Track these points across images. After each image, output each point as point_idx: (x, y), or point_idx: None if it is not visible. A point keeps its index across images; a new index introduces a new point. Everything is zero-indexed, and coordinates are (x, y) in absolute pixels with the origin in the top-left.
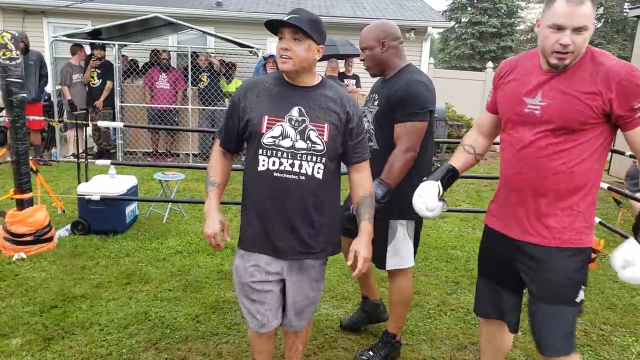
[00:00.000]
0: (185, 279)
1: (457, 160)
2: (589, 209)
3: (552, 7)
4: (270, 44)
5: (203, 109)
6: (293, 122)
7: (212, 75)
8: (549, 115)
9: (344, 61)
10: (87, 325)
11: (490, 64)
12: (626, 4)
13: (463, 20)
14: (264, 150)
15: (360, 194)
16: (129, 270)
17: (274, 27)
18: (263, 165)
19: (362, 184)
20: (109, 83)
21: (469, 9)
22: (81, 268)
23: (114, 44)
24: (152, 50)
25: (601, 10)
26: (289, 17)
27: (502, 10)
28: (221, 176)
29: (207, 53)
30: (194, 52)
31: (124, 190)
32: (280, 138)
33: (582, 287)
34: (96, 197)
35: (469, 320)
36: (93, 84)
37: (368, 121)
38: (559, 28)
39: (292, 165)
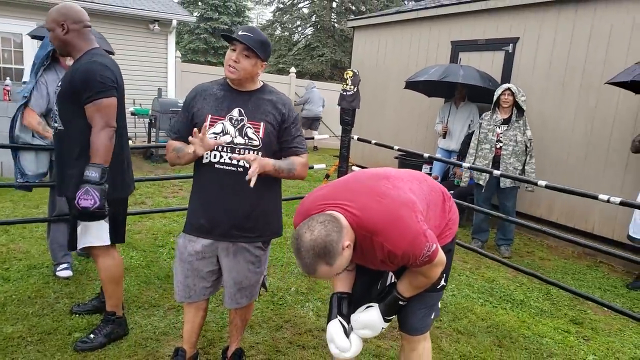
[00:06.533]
0: None
1: (341, 283)
2: None
3: None
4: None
5: None
6: (233, 121)
7: None
8: None
9: None
10: None
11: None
12: (333, 14)
13: (196, 14)
14: None
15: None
16: None
17: (228, 39)
18: (206, 158)
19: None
20: None
21: (200, 3)
22: None
23: None
24: None
25: (314, 17)
26: (243, 34)
27: (232, 9)
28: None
29: None
30: None
31: None
32: (221, 134)
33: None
34: None
35: (276, 301)
36: None
37: (54, 102)
38: None
39: (230, 158)
